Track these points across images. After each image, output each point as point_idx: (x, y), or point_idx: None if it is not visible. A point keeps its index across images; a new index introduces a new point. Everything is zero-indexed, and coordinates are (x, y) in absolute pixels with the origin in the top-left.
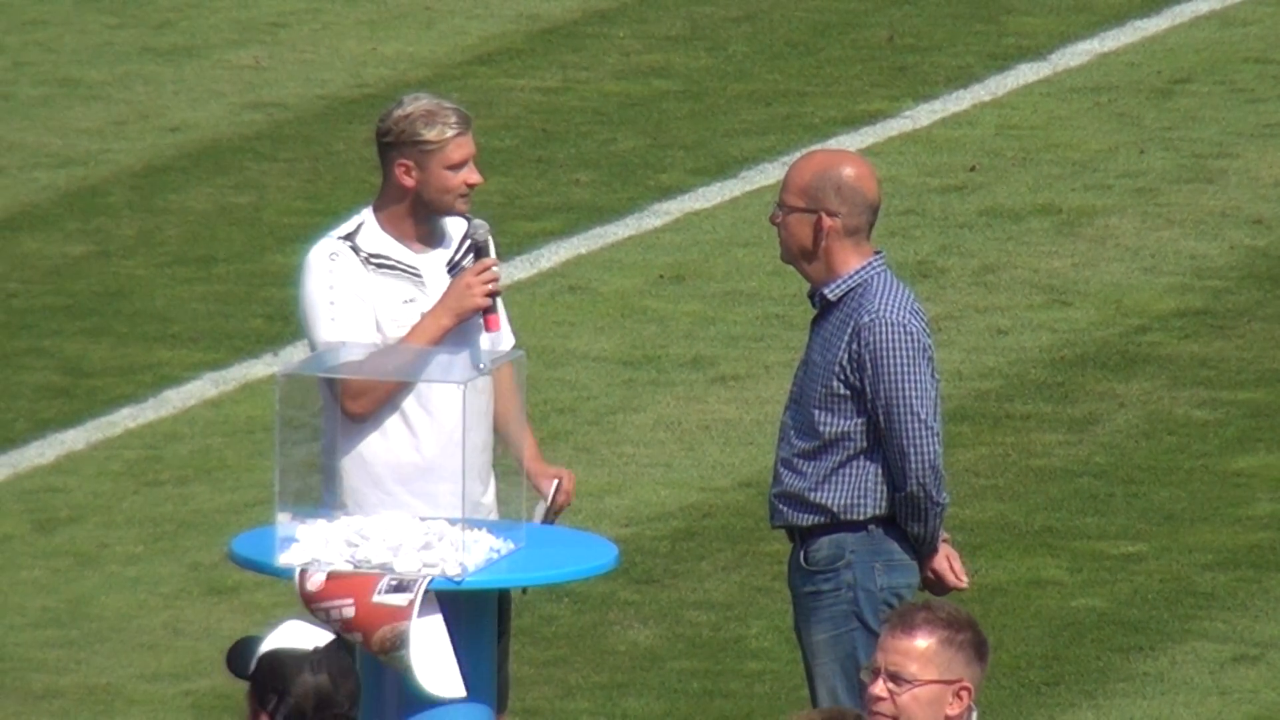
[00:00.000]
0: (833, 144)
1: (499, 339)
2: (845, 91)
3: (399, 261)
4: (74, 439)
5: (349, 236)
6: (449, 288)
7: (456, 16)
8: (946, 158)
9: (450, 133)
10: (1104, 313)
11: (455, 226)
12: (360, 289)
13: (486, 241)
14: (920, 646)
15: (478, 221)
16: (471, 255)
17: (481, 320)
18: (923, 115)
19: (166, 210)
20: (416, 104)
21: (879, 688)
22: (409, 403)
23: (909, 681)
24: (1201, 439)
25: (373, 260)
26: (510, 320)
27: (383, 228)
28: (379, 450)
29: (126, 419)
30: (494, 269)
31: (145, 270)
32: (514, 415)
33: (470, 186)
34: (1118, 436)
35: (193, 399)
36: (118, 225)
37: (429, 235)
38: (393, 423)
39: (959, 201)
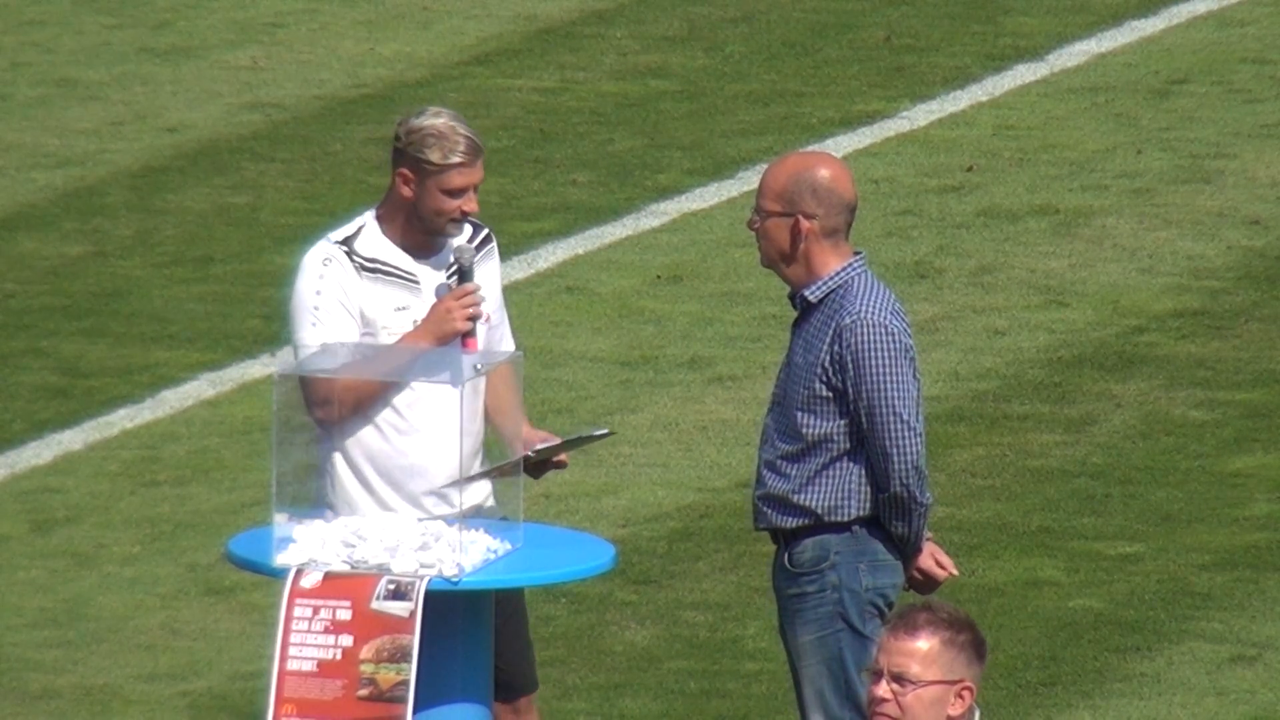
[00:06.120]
0: (830, 144)
1: (481, 357)
2: (842, 92)
3: (396, 268)
4: (71, 439)
5: (347, 240)
6: (430, 311)
7: (454, 17)
8: (944, 158)
9: (454, 159)
10: (1101, 313)
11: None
12: (348, 297)
13: (471, 266)
14: (923, 647)
15: (463, 245)
16: (456, 278)
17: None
18: (920, 116)
19: (164, 211)
20: (434, 120)
21: (883, 689)
22: (398, 404)
23: (913, 682)
24: (1198, 439)
25: (368, 266)
26: (509, 321)
27: (383, 232)
28: (367, 452)
29: (124, 419)
30: (476, 294)
31: (143, 270)
32: (509, 410)
33: (465, 214)
34: (1115, 437)
35: (190, 399)
36: (115, 226)
37: (428, 243)
38: (383, 424)
39: (956, 202)
